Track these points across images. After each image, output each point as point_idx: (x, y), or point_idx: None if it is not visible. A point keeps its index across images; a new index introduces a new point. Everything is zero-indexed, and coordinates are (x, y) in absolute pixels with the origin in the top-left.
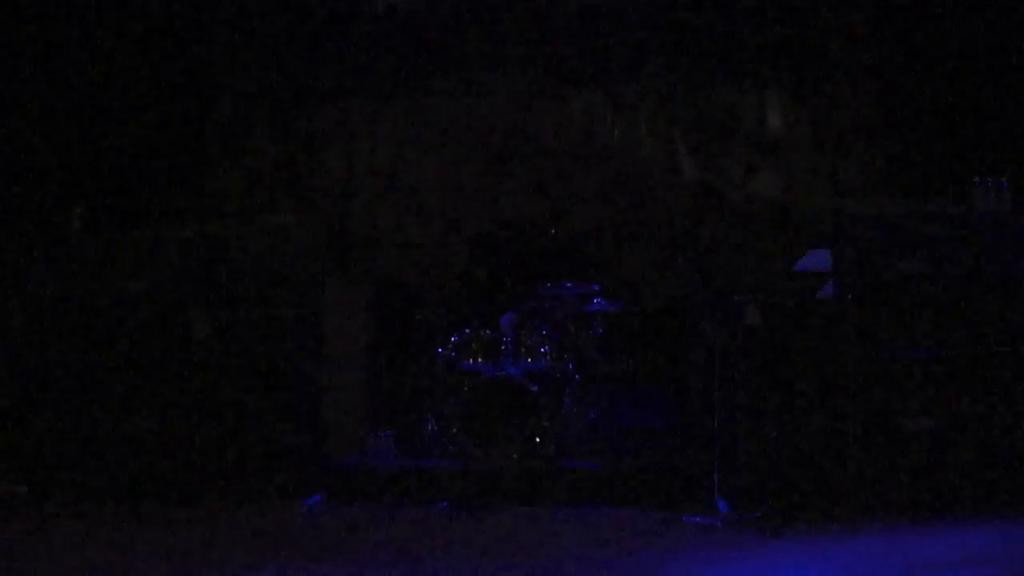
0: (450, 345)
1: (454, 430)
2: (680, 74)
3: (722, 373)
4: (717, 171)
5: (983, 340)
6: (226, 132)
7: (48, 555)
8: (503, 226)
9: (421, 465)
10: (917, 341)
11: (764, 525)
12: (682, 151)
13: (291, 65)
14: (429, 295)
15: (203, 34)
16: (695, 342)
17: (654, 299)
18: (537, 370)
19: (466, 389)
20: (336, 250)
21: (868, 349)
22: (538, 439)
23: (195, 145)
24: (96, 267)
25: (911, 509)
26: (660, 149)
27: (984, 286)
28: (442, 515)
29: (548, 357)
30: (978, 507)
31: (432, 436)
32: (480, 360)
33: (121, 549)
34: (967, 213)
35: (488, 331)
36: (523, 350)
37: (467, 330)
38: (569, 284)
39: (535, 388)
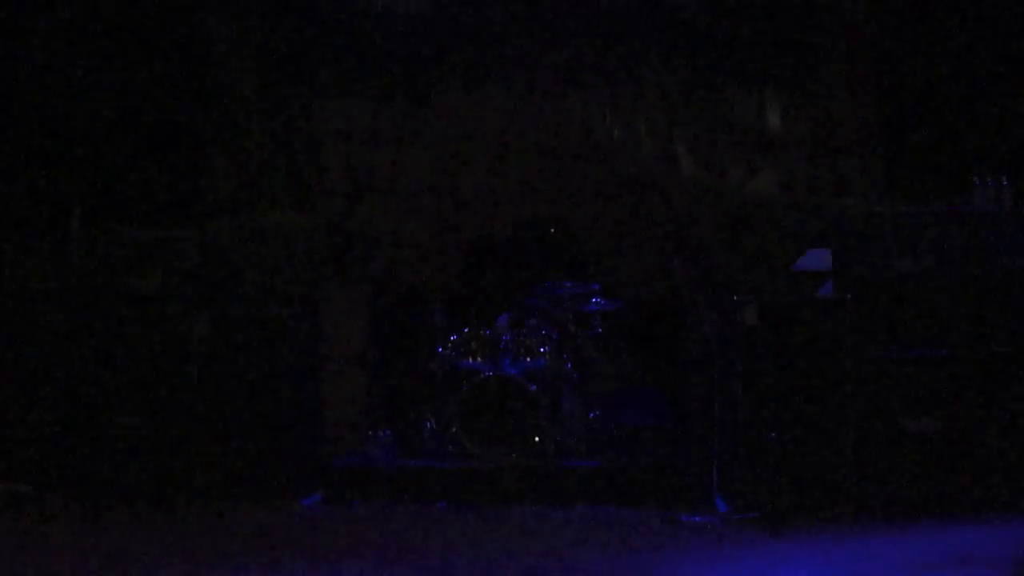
0: (450, 345)
1: (453, 430)
2: (680, 74)
3: (721, 373)
4: (717, 171)
5: (983, 340)
6: (226, 132)
7: (48, 554)
8: (503, 226)
9: (420, 465)
10: (917, 341)
11: (763, 525)
12: (682, 151)
13: (291, 65)
14: (429, 295)
15: (203, 34)
16: (694, 342)
17: (654, 299)
18: (536, 370)
19: (466, 389)
20: (336, 250)
21: (868, 349)
22: (537, 439)
23: (195, 145)
24: (96, 267)
25: (911, 509)
26: (660, 149)
27: (984, 286)
28: (441, 515)
29: (548, 357)
30: (978, 507)
31: (431, 436)
32: (479, 360)
33: (121, 549)
34: (967, 213)
35: (487, 331)
36: (522, 350)
37: (467, 330)
38: (569, 284)
39: (535, 388)
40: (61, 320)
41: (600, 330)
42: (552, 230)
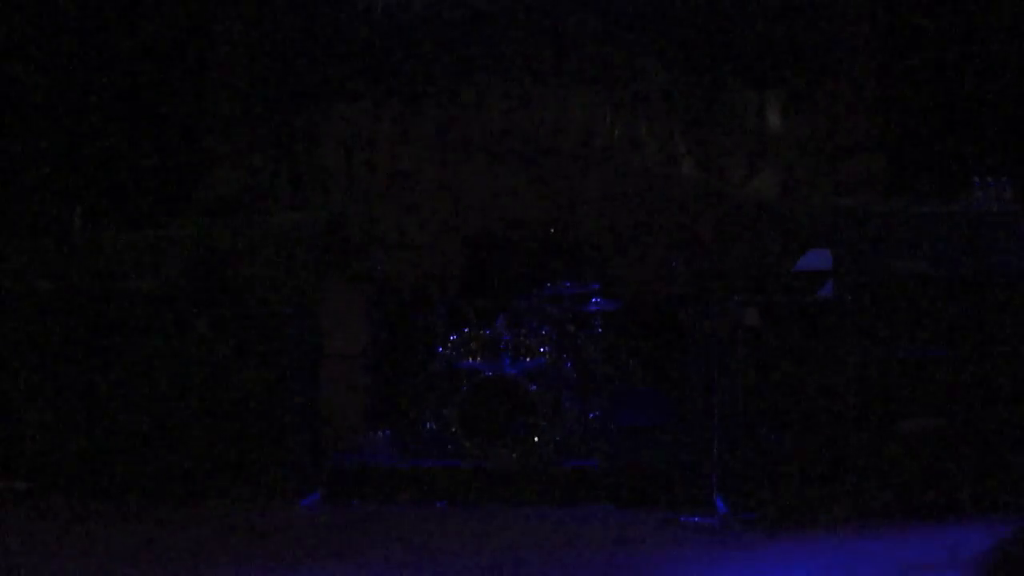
0: (449, 345)
1: (453, 430)
2: (680, 74)
3: (721, 373)
4: (717, 171)
5: (983, 340)
6: (226, 132)
7: (48, 553)
8: (503, 226)
9: (420, 465)
10: (917, 341)
11: (763, 525)
12: (682, 151)
13: (291, 65)
14: (429, 295)
15: (203, 34)
16: (694, 342)
17: (654, 299)
18: (536, 370)
19: (466, 389)
20: (336, 250)
21: (868, 349)
22: (537, 439)
23: (195, 145)
24: (96, 266)
25: (910, 509)
26: (660, 149)
27: (984, 286)
28: (440, 515)
29: (548, 357)
30: (977, 508)
31: (431, 436)
32: (479, 360)
33: (120, 548)
34: (967, 213)
35: (487, 331)
36: (522, 350)
37: (467, 330)
38: (569, 284)
39: (534, 388)
40: (61, 320)
41: (600, 330)
42: (552, 230)
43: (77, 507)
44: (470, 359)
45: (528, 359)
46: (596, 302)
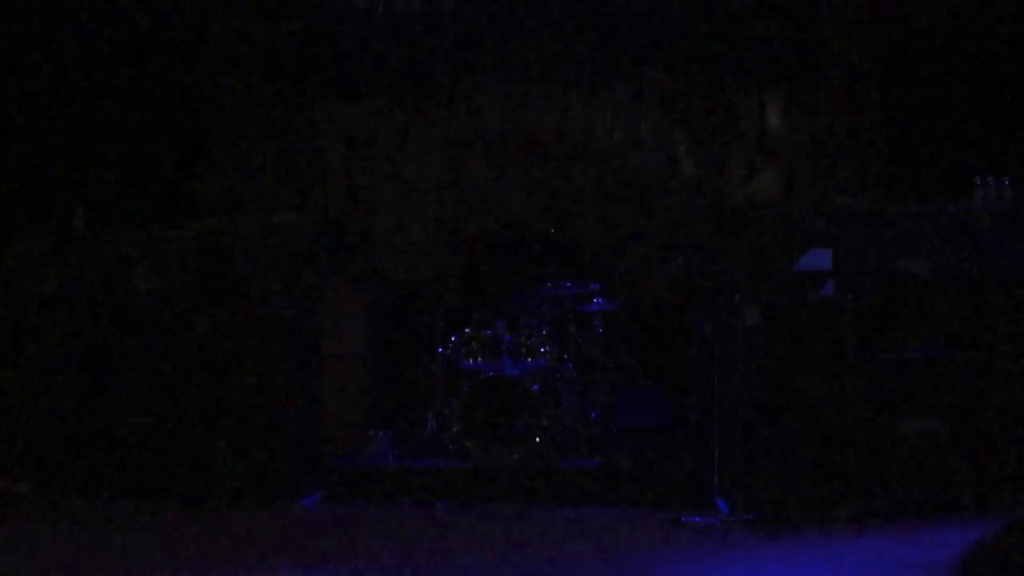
0: (450, 345)
1: (453, 430)
2: (680, 74)
3: (721, 373)
4: (717, 171)
5: (983, 340)
6: (226, 132)
7: (47, 553)
8: (503, 226)
9: (420, 465)
10: (917, 341)
11: (763, 525)
12: (682, 151)
13: (291, 65)
14: (429, 295)
15: (204, 34)
16: (694, 342)
17: (654, 299)
18: (537, 370)
19: (466, 389)
20: (336, 250)
21: (868, 349)
22: (538, 439)
23: (195, 145)
24: (97, 266)
25: (911, 509)
26: (660, 149)
27: (984, 286)
28: (441, 515)
29: (548, 357)
30: (977, 508)
31: (431, 436)
32: (480, 360)
33: (121, 549)
34: (967, 213)
35: (487, 331)
36: (522, 350)
37: (467, 330)
38: (569, 284)
39: (535, 388)
40: (61, 320)
41: (600, 330)
42: (552, 230)
43: (78, 507)
44: (470, 359)
45: (528, 359)
46: (596, 302)
